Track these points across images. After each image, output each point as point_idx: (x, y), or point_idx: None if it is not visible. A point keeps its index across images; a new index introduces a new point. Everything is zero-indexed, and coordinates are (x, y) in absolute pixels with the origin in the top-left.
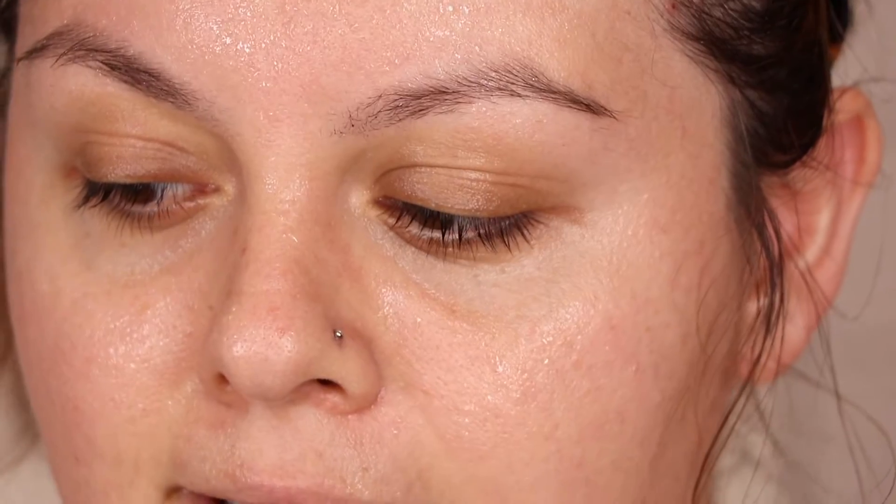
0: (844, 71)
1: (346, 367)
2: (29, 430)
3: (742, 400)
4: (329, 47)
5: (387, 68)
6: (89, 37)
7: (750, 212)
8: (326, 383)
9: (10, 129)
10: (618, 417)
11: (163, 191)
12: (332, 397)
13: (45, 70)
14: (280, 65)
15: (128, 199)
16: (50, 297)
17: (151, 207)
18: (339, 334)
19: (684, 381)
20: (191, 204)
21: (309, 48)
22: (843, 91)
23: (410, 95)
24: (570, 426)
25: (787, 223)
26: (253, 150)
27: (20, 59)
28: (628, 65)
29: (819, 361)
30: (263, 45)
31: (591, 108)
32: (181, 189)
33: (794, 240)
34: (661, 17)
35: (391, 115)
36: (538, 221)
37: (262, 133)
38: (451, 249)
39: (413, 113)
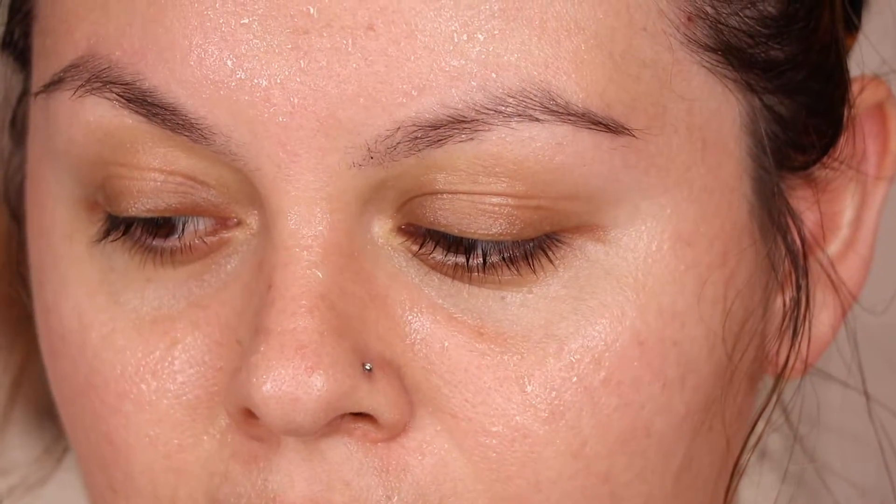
0: (861, 57)
1: (376, 399)
2: (52, 450)
3: (770, 404)
4: (345, 81)
5: (403, 100)
6: (105, 69)
7: (773, 216)
8: (357, 413)
9: (30, 163)
10: (644, 432)
11: (184, 225)
12: (364, 426)
13: (63, 102)
14: (296, 99)
15: (149, 233)
16: (79, 333)
17: (173, 242)
18: (368, 367)
19: (711, 393)
20: (213, 238)
21: (324, 83)
22: (863, 82)
23: (429, 126)
24: (598, 443)
25: (810, 220)
26: (272, 185)
27: (37, 93)
28: (647, 81)
29: (847, 360)
30: (279, 81)
31: (609, 127)
32: (203, 223)
33: (817, 236)
34: (678, 30)
35: (410, 146)
36: (562, 242)
37: (280, 168)
38: (476, 274)
39: (432, 143)
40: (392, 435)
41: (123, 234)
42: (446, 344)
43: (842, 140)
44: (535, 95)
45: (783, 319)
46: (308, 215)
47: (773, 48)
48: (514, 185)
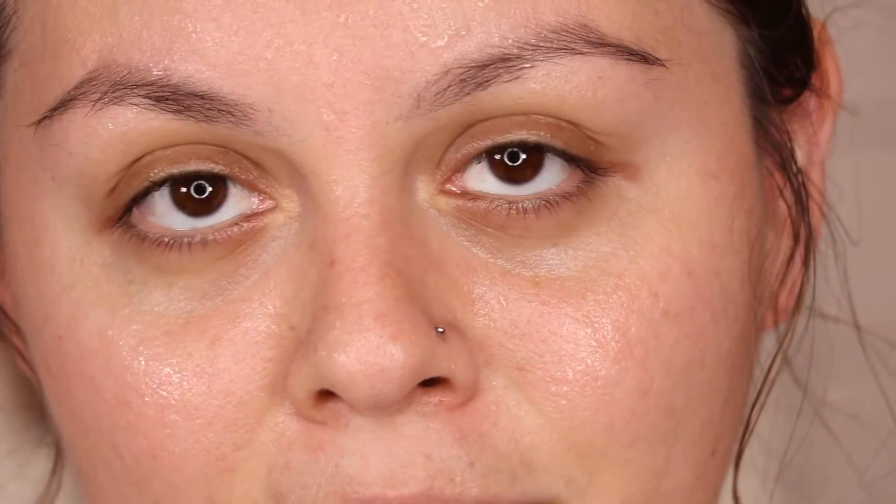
0: None
1: (453, 360)
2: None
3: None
4: (389, 28)
5: (449, 42)
6: (124, 75)
7: (769, 151)
8: (426, 383)
9: (10, 206)
10: (700, 364)
11: (220, 206)
12: (438, 395)
13: (75, 123)
14: (340, 55)
15: (179, 205)
16: (102, 352)
17: (206, 235)
18: (440, 330)
19: (745, 329)
20: (248, 224)
21: (370, 32)
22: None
23: (476, 66)
24: (665, 378)
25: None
26: (323, 152)
27: (39, 121)
28: (664, 15)
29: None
30: (320, 39)
31: (645, 58)
32: (233, 207)
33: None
34: None
35: (458, 89)
36: (597, 179)
37: (330, 131)
38: (523, 224)
39: (479, 85)
40: (466, 399)
41: (150, 241)
42: (505, 299)
43: (814, 74)
44: (574, 29)
45: (788, 256)
46: (361, 179)
47: None
48: (557, 123)
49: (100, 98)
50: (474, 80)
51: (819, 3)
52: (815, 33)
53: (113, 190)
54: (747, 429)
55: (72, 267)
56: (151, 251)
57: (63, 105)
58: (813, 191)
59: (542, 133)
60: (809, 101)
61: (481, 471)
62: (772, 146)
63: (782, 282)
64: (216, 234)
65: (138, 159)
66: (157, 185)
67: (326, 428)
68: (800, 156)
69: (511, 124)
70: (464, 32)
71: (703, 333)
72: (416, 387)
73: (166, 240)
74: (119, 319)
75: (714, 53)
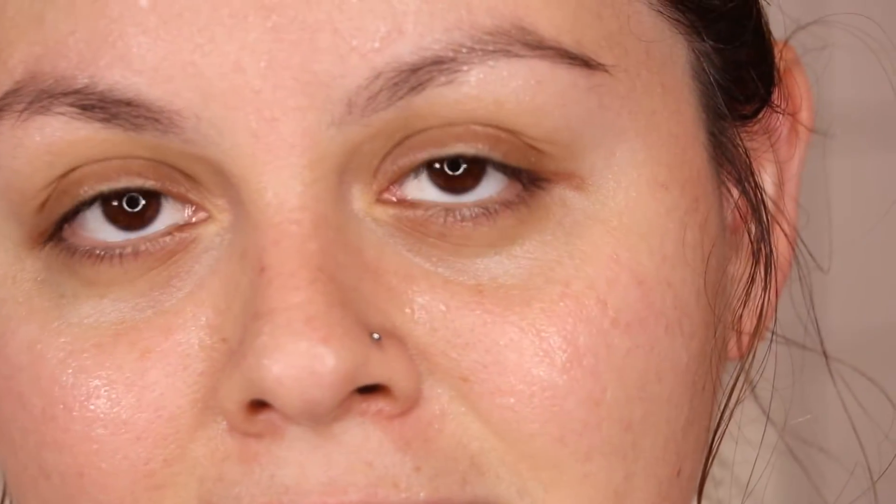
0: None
1: (391, 367)
2: None
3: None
4: (318, 32)
5: (380, 45)
6: (49, 84)
7: (726, 167)
8: (365, 391)
9: None
10: (656, 377)
11: (153, 218)
12: (376, 403)
13: (3, 135)
14: (269, 60)
15: (109, 218)
16: (30, 366)
17: (137, 245)
18: (376, 336)
19: (703, 343)
20: (182, 235)
21: (297, 36)
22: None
23: (408, 70)
24: (618, 388)
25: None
26: (251, 159)
27: None
28: (608, 20)
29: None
30: (248, 43)
31: (587, 63)
32: (169, 217)
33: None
34: None
35: (391, 93)
36: (540, 189)
37: (259, 138)
38: (462, 233)
39: (412, 89)
40: (406, 408)
41: (80, 252)
42: (446, 307)
43: (775, 93)
44: (510, 32)
45: (749, 278)
46: (291, 186)
47: None
48: (495, 130)
49: (25, 108)
50: (407, 84)
51: (781, 23)
52: (777, 51)
53: (43, 206)
54: (710, 455)
55: (4, 284)
56: (83, 264)
57: None
58: (780, 218)
59: (479, 146)
60: (773, 121)
61: (428, 475)
62: (729, 162)
63: (745, 304)
64: (148, 244)
65: (66, 174)
66: (87, 203)
67: (262, 440)
68: (766, 178)
69: (448, 137)
70: (395, 35)
71: (657, 345)
72: (355, 394)
73: (98, 252)
74: (48, 333)
75: (664, 63)
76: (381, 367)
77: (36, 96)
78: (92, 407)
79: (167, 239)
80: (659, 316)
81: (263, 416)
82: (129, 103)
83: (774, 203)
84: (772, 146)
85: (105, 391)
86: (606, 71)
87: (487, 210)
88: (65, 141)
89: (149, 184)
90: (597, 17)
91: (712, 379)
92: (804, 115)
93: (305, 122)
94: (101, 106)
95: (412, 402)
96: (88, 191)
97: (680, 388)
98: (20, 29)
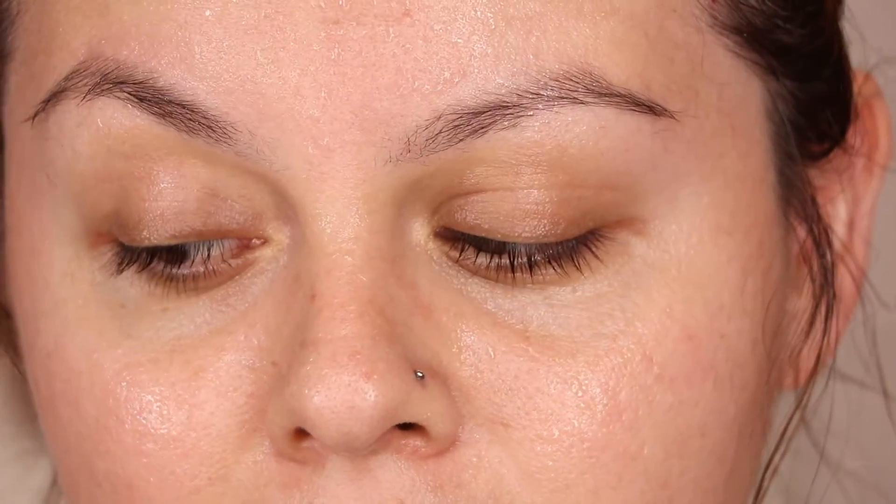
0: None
1: (430, 407)
2: None
3: (788, 407)
4: (380, 70)
5: (443, 87)
6: (112, 69)
7: (796, 207)
8: (405, 427)
9: (12, 213)
10: (699, 432)
11: (209, 249)
12: (414, 441)
13: (68, 113)
14: (329, 91)
15: (170, 262)
16: (87, 374)
17: (197, 267)
18: (420, 375)
19: (755, 393)
20: (238, 261)
21: (359, 72)
22: (858, 76)
23: (470, 113)
24: (656, 444)
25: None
26: (305, 186)
27: (34, 116)
28: (680, 63)
29: (864, 358)
30: (310, 71)
31: (652, 109)
32: (227, 245)
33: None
34: (704, 12)
35: (451, 135)
36: (604, 237)
37: (313, 166)
38: (519, 275)
39: (474, 132)
40: (442, 449)
41: (142, 266)
42: (493, 351)
43: (851, 130)
44: (578, 77)
45: (811, 316)
46: (345, 217)
47: (788, 31)
48: (556, 174)
49: (90, 89)
50: (468, 127)
51: (863, 53)
52: (857, 86)
53: (112, 214)
54: (759, 493)
55: (63, 281)
56: (145, 276)
57: (55, 96)
58: (848, 258)
59: (544, 170)
60: (846, 159)
61: None
62: (798, 200)
63: (805, 341)
64: (219, 264)
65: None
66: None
67: (305, 467)
68: (837, 217)
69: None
70: (458, 78)
71: (702, 400)
72: (395, 430)
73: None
74: (106, 342)
75: (736, 105)
76: (421, 406)
77: (101, 77)
78: (143, 421)
79: (235, 261)
80: (708, 370)
81: (307, 444)
82: (183, 105)
83: (842, 241)
84: (842, 184)
85: (157, 406)
86: (673, 118)
87: (553, 254)
88: (123, 126)
89: (208, 227)
90: (668, 61)
91: (762, 422)
92: (881, 152)
93: (361, 156)
94: (156, 101)
95: (449, 444)
96: (151, 237)
97: (725, 440)
98: (84, 15)
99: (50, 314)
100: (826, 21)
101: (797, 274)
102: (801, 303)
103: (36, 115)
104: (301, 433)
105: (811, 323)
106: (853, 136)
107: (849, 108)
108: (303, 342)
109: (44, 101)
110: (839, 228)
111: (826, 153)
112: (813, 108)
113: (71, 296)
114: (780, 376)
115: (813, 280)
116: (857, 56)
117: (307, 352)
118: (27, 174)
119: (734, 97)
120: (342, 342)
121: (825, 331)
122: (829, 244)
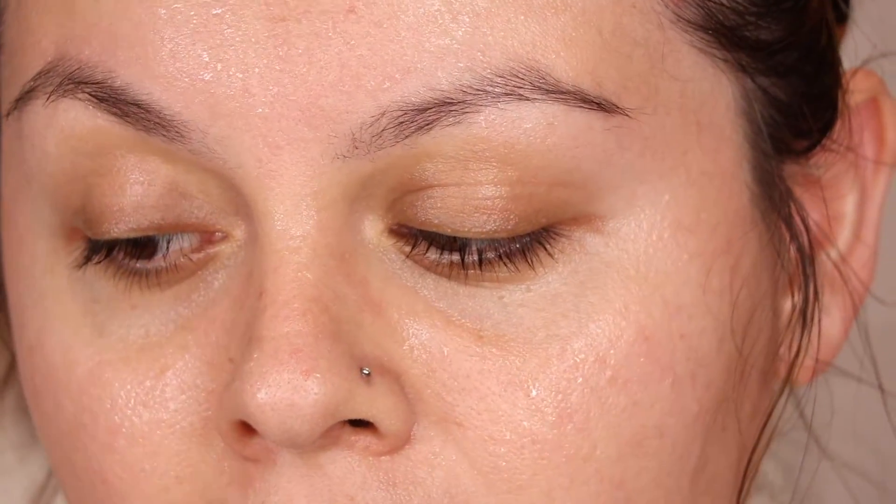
0: (854, 51)
1: (377, 405)
2: None
3: (782, 402)
4: (326, 67)
5: (388, 84)
6: (75, 69)
7: (775, 204)
8: (357, 424)
9: (4, 201)
10: (656, 432)
11: (168, 243)
12: (365, 438)
13: (36, 113)
14: (276, 89)
15: (132, 255)
16: (64, 370)
17: (158, 262)
18: (366, 372)
19: (722, 389)
20: (199, 255)
21: (305, 70)
22: (855, 72)
23: (415, 110)
24: (609, 445)
25: (814, 212)
26: (256, 183)
27: (8, 113)
28: (638, 60)
29: (860, 355)
30: (257, 70)
31: (602, 106)
32: (188, 240)
33: (824, 229)
34: (667, 8)
35: (396, 132)
36: (559, 234)
37: (262, 163)
38: (472, 272)
39: (419, 128)
40: (395, 446)
41: (105, 257)
42: (445, 350)
43: (838, 126)
44: (524, 74)
45: (792, 313)
46: (294, 214)
47: (762, 27)
48: (505, 170)
49: (54, 90)
50: (413, 123)
51: (854, 50)
52: (845, 81)
53: (79, 210)
54: (742, 492)
55: (44, 275)
56: (117, 267)
57: (25, 96)
58: (855, 255)
59: (493, 166)
60: (850, 156)
61: None
62: (780, 199)
63: (804, 338)
64: (180, 258)
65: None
66: (108, 243)
67: (258, 464)
68: (844, 214)
69: (464, 156)
70: (402, 74)
71: (659, 401)
72: (346, 426)
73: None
74: (80, 340)
75: (702, 102)
76: (367, 404)
77: (64, 78)
78: (116, 419)
79: (196, 255)
80: (666, 371)
81: (258, 440)
82: (140, 105)
83: (849, 239)
84: (851, 181)
85: (127, 405)
86: (626, 115)
87: (506, 252)
88: (85, 127)
89: (167, 221)
90: (625, 57)
91: (743, 419)
92: (889, 149)
93: (308, 153)
94: (113, 101)
95: (401, 441)
96: (112, 230)
97: (687, 439)
98: (53, 13)
99: (32, 307)
100: (809, 15)
101: (793, 271)
102: (797, 300)
103: (9, 113)
104: (249, 429)
105: (802, 321)
106: (841, 132)
107: (835, 102)
108: (249, 339)
109: (16, 100)
110: (846, 225)
111: (807, 150)
112: (794, 104)
113: (51, 289)
114: (767, 372)
115: (791, 278)
116: (864, 51)
117: (252, 348)
118: (14, 167)
119: (699, 94)
120: (284, 339)
121: (804, 329)
122: (811, 239)
